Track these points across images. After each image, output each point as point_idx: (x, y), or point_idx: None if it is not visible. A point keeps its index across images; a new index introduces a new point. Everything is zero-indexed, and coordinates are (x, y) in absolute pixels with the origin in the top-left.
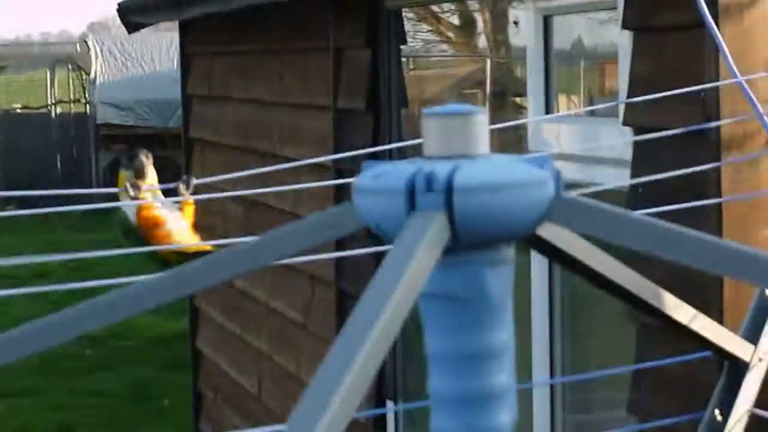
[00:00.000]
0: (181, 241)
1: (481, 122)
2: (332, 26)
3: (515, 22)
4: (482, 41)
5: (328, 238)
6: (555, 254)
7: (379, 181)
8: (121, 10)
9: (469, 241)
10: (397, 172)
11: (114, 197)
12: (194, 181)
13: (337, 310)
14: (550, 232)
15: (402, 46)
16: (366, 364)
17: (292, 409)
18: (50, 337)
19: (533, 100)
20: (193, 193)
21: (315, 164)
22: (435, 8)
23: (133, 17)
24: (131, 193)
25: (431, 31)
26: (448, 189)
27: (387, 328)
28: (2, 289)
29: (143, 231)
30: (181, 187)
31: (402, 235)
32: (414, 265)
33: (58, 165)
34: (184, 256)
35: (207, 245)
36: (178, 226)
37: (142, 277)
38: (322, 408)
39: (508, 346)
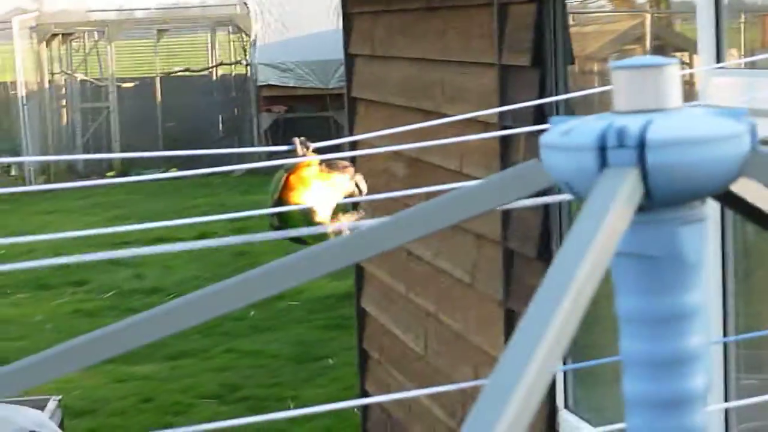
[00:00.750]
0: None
1: (673, 74)
2: None
3: None
4: None
5: (514, 198)
6: (748, 211)
7: (569, 137)
8: None
9: (662, 198)
10: (587, 127)
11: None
12: (312, 145)
13: (504, 270)
14: (743, 187)
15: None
16: (562, 327)
17: (459, 368)
18: (224, 303)
19: (704, 52)
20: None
21: (480, 122)
22: None
23: None
24: (299, 150)
25: None
26: (641, 144)
27: (583, 289)
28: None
29: (285, 188)
30: (299, 147)
31: (594, 193)
32: (608, 223)
33: (219, 127)
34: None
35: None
36: (319, 190)
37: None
38: (521, 367)
39: (701, 307)
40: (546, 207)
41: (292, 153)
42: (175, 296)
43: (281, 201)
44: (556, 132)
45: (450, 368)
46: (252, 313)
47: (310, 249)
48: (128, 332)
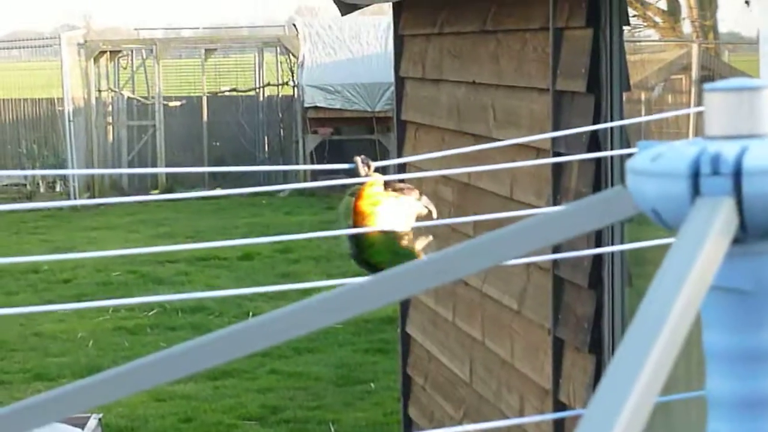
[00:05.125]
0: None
1: None
2: (552, 5)
3: (747, 2)
4: (688, 26)
5: (598, 225)
6: None
7: (659, 163)
8: None
9: (758, 229)
10: (679, 153)
11: (319, 177)
12: (373, 164)
13: (553, 297)
14: None
15: (625, 27)
16: (658, 365)
17: (505, 397)
18: (277, 333)
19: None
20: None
21: (532, 147)
22: None
23: None
24: (362, 170)
25: (637, 15)
26: (737, 172)
27: (678, 325)
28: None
29: (357, 213)
30: (360, 167)
31: (687, 224)
32: (703, 256)
33: (265, 148)
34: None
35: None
36: (393, 213)
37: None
38: (616, 409)
39: None
40: (598, 234)
41: (353, 172)
42: (218, 315)
43: (355, 227)
44: (645, 157)
45: (496, 396)
46: None
47: (389, 272)
48: (205, 350)
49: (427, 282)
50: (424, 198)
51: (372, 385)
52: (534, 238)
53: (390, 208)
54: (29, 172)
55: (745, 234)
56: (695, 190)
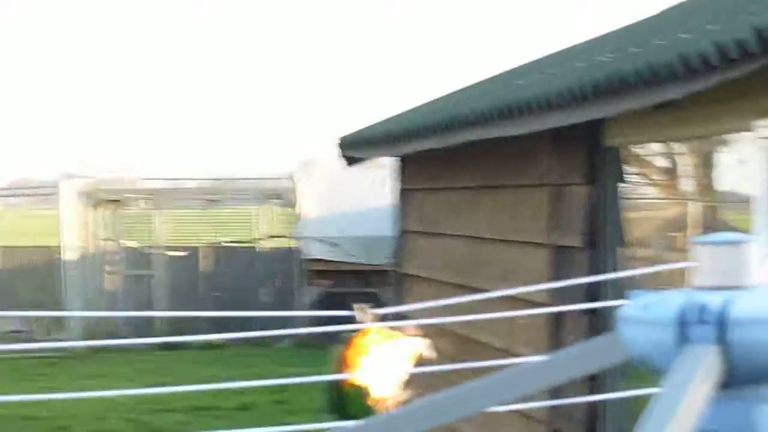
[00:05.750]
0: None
1: (754, 251)
2: (549, 162)
3: (741, 161)
4: (685, 184)
5: (590, 370)
6: None
7: (648, 311)
8: (342, 145)
9: (742, 376)
10: (667, 302)
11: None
12: (371, 311)
13: None
14: None
15: (620, 184)
16: None
17: None
18: None
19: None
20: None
21: (529, 301)
22: (640, 151)
23: (351, 152)
24: (360, 317)
25: (637, 173)
26: (722, 321)
27: None
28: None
29: (342, 363)
30: (359, 314)
31: (673, 370)
32: (687, 401)
33: (263, 299)
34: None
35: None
36: (382, 362)
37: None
38: None
39: None
40: (593, 386)
41: (352, 320)
42: None
43: (338, 381)
44: (635, 306)
45: None
46: None
47: (382, 416)
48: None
49: (419, 425)
50: (426, 341)
51: None
52: (528, 382)
53: (379, 357)
54: (29, 314)
55: (730, 380)
56: (683, 338)
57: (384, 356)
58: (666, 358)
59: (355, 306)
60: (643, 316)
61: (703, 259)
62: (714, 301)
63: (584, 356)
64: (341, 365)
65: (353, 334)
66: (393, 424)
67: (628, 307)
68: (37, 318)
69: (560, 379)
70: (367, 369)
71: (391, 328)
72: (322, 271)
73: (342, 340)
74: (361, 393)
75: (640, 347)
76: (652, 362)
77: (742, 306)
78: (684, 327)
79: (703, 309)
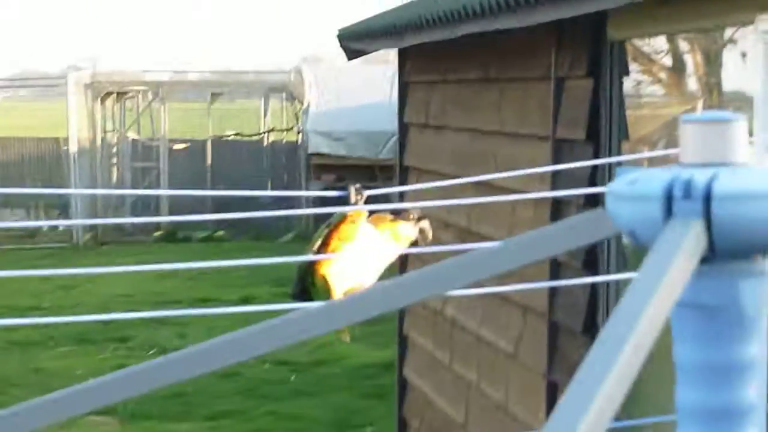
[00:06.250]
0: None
1: (741, 129)
2: (553, 55)
3: (743, 54)
4: (693, 83)
5: (578, 244)
6: None
7: (635, 186)
8: (342, 37)
9: (725, 250)
10: (654, 178)
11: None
12: (366, 192)
13: (549, 342)
14: None
15: (624, 78)
16: (621, 374)
17: None
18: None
19: (759, 137)
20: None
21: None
22: (647, 49)
23: (353, 44)
24: (353, 198)
25: (642, 71)
26: (707, 197)
27: (643, 337)
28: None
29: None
30: (352, 195)
31: (658, 243)
32: (671, 273)
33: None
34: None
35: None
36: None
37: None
38: (576, 418)
39: (759, 361)
40: (594, 277)
41: (344, 200)
42: None
43: (310, 266)
44: (623, 181)
45: None
46: (293, 377)
47: (343, 299)
48: (132, 380)
49: (417, 294)
50: (424, 222)
51: (369, 429)
52: (518, 255)
53: (363, 244)
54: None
55: (713, 254)
56: (668, 213)
57: (370, 241)
58: (652, 233)
59: (350, 186)
60: (630, 191)
61: (691, 137)
62: (700, 176)
63: (575, 230)
64: (322, 247)
65: (339, 216)
66: (360, 303)
67: (616, 182)
68: (43, 207)
69: (552, 252)
70: (347, 255)
71: (389, 212)
72: (328, 165)
73: (330, 223)
74: (326, 287)
75: (626, 222)
76: (639, 237)
77: (727, 181)
78: (670, 202)
79: (688, 184)
